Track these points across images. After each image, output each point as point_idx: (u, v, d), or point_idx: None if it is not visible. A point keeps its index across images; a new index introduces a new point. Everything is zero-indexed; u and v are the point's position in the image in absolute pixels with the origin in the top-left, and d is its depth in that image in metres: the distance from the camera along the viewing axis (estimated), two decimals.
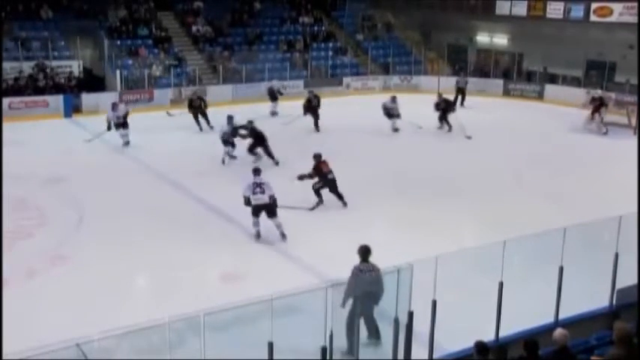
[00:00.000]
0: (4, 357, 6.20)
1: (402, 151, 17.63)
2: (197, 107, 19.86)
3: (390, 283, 6.29)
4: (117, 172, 15.24)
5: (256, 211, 10.74)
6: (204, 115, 19.85)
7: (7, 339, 6.70)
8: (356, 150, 17.39)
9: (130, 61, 24.90)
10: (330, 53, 28.91)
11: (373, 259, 7.24)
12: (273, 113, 21.94)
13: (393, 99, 19.92)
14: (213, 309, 6.37)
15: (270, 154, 15.75)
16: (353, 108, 23.13)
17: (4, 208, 10.66)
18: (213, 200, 12.88)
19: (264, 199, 10.64)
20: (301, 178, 12.48)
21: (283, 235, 10.85)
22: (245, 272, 9.69)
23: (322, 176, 12.45)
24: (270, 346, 5.43)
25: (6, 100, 21.10)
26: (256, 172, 11.02)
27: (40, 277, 9.59)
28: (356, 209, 12.51)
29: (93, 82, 23.94)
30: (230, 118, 16.30)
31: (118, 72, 23.71)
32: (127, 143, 17.61)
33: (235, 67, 26.24)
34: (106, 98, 21.33)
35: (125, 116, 17.76)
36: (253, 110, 20.08)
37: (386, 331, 6.49)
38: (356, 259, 7.25)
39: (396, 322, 6.29)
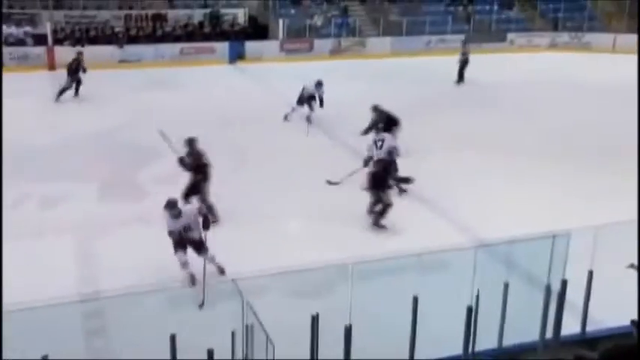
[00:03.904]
0: None
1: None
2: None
3: (544, 249, 6.00)
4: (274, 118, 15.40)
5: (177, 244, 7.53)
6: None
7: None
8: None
9: (293, 11, 25.39)
10: (496, 7, 27.74)
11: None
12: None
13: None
14: (363, 258, 6.57)
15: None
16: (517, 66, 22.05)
17: None
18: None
19: (177, 226, 7.45)
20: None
21: (222, 271, 7.73)
22: (395, 226, 9.60)
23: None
24: (415, 300, 5.43)
25: (178, 46, 22.63)
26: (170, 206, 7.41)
27: None
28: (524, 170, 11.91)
29: (257, 30, 24.71)
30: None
31: (280, 21, 24.28)
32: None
33: (396, 19, 25.93)
34: (268, 47, 22.10)
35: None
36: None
37: (536, 298, 6.23)
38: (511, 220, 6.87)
39: (548, 289, 6.02)
